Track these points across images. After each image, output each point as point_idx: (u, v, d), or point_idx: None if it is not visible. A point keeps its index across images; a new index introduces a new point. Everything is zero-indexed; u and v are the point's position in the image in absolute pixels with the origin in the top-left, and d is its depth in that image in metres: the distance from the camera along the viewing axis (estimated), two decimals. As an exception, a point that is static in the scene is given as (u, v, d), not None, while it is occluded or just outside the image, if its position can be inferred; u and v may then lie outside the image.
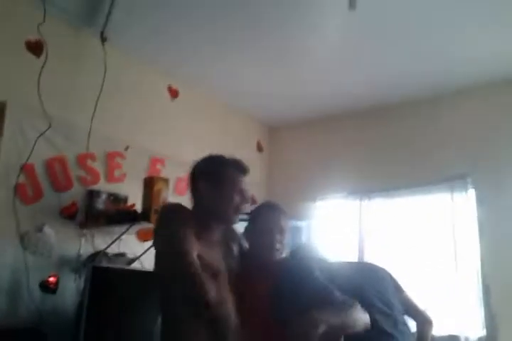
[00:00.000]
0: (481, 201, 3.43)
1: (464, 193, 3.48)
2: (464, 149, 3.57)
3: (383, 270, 2.41)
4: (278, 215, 1.97)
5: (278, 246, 1.91)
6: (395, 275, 2.41)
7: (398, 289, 2.18)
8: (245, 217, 1.97)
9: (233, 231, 1.94)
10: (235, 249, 1.91)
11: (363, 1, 2.47)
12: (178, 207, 1.71)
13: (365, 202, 3.85)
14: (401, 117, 3.95)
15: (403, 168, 3.76)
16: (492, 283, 3.24)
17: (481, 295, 3.25)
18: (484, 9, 2.75)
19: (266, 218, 1.95)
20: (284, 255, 1.96)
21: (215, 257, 1.72)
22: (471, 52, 3.21)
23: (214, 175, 1.70)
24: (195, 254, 1.58)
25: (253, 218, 1.99)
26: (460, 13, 2.80)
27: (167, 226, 1.64)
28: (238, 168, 1.80)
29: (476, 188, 3.48)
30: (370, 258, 3.65)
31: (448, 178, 3.53)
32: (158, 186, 2.68)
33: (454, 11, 2.78)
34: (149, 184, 2.72)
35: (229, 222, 1.82)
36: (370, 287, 2.15)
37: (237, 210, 1.76)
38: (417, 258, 3.54)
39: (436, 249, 3.49)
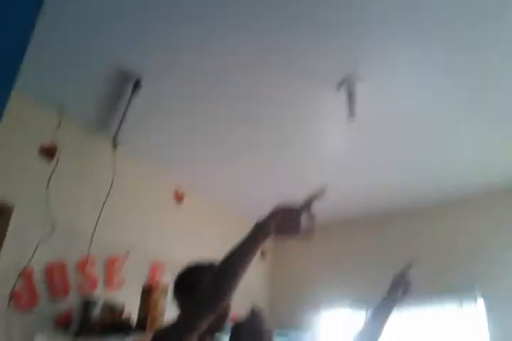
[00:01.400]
0: (490, 309, 3.32)
1: (472, 302, 3.38)
2: (471, 258, 3.51)
3: None
4: (264, 320, 1.89)
5: None
6: None
7: None
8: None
9: None
10: None
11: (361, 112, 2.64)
12: None
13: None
14: (405, 225, 3.94)
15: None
16: None
17: None
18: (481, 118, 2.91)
19: (255, 320, 1.88)
20: None
21: None
22: (475, 162, 3.31)
23: (187, 289, 1.66)
24: None
25: (239, 323, 1.91)
26: (459, 121, 2.94)
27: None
28: (211, 269, 1.71)
29: (484, 297, 3.38)
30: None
31: (455, 288, 3.44)
32: (155, 296, 2.62)
33: (454, 119, 2.93)
34: (147, 293, 2.67)
35: (219, 328, 1.74)
36: None
37: (224, 315, 1.70)
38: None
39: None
